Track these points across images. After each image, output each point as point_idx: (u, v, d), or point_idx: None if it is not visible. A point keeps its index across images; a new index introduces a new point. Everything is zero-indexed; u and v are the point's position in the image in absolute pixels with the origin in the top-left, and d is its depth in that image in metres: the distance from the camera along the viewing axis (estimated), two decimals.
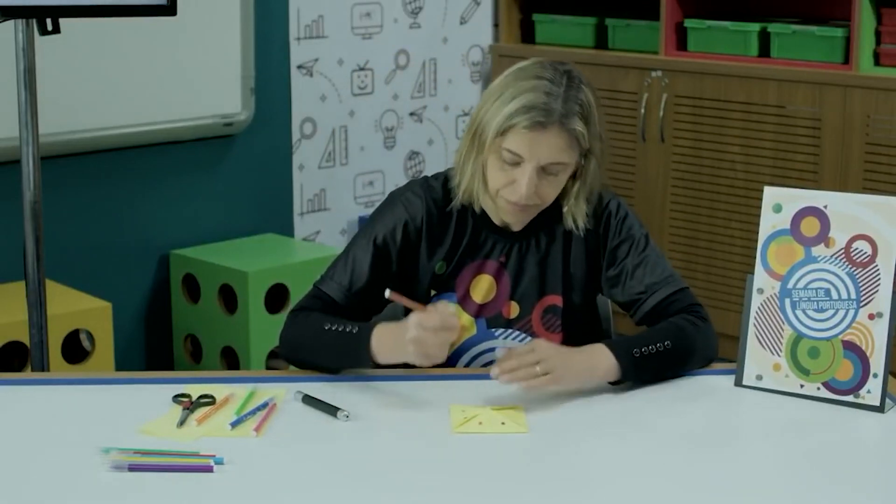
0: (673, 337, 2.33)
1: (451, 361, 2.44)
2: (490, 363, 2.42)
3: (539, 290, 2.44)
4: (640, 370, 2.29)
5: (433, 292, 2.45)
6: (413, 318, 2.18)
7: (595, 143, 2.38)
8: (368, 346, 2.24)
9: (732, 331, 4.51)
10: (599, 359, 2.26)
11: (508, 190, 2.34)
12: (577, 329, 2.47)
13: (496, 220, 2.44)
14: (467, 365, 2.45)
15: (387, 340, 2.23)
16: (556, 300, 2.44)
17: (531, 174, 2.30)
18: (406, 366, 2.44)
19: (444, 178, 2.45)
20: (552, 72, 2.35)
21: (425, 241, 2.43)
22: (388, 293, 2.23)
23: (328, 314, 2.36)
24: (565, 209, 2.42)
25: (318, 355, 2.34)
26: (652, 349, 2.30)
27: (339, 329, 2.30)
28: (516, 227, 2.42)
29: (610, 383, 2.29)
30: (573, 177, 2.40)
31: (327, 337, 2.31)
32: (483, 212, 2.43)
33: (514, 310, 2.45)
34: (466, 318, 2.44)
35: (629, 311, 2.45)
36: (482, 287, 2.44)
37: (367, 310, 2.42)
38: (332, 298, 2.39)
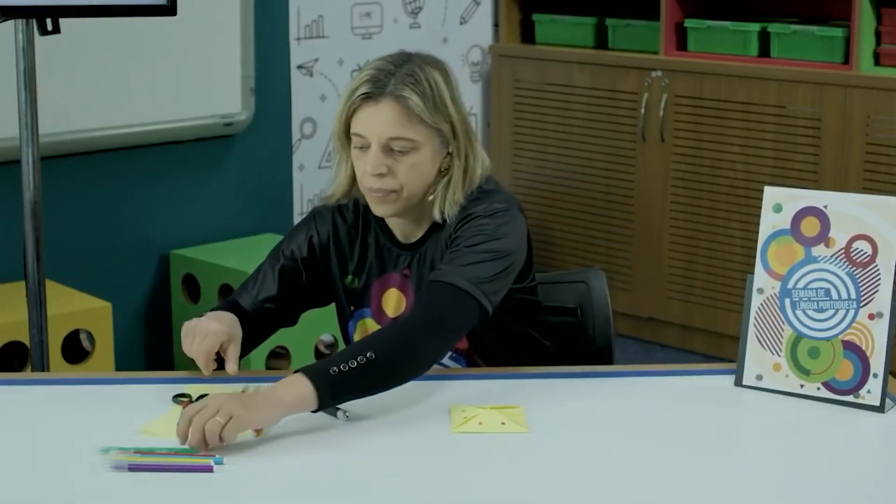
0: (379, 345, 2.16)
1: None
2: None
3: None
4: (342, 389, 2.11)
5: (352, 307, 2.48)
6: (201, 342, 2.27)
7: (450, 126, 2.34)
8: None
9: (732, 331, 4.54)
10: (290, 387, 2.08)
11: (366, 177, 2.33)
12: (492, 333, 2.41)
13: (397, 233, 2.43)
14: None
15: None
16: None
17: (375, 150, 2.30)
18: None
19: (355, 198, 2.45)
20: (393, 55, 2.38)
21: (335, 256, 2.46)
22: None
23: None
24: (430, 198, 2.36)
25: None
26: (353, 363, 2.11)
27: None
28: (381, 214, 2.37)
29: (315, 411, 2.11)
30: (445, 173, 2.36)
31: None
32: (387, 226, 2.44)
33: None
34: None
35: None
36: (391, 301, 2.44)
37: (277, 318, 2.48)
38: (242, 307, 2.44)
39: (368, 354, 2.13)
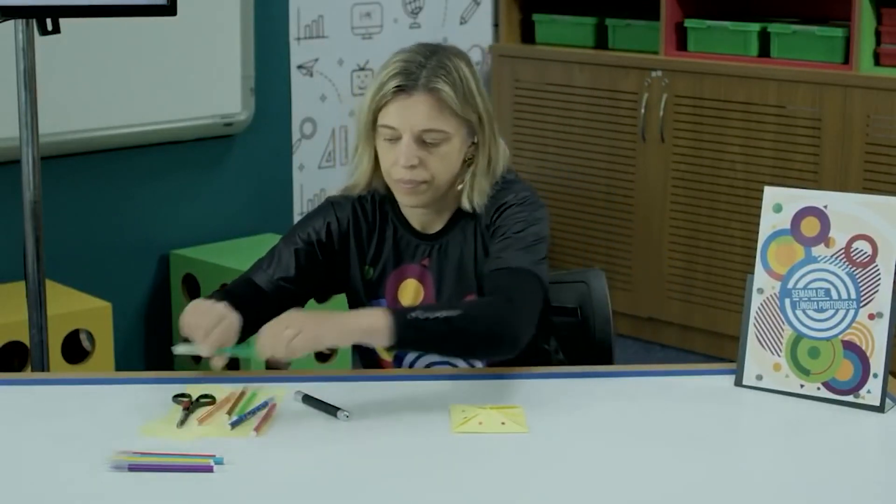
0: (468, 307, 2.24)
1: (398, 360, 2.46)
2: (430, 364, 2.44)
3: (459, 290, 2.42)
4: (415, 335, 2.17)
5: (368, 298, 2.47)
6: (204, 307, 2.27)
7: (477, 116, 2.36)
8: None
9: (732, 331, 4.54)
10: (367, 317, 2.17)
11: (395, 168, 2.34)
12: None
13: (415, 223, 2.44)
14: (412, 363, 2.45)
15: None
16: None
17: (408, 142, 2.30)
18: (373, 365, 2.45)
19: (372, 190, 2.46)
20: (419, 47, 2.38)
21: (354, 246, 2.46)
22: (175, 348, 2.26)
23: (247, 296, 2.40)
24: (459, 188, 2.39)
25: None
26: (434, 315, 2.18)
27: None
28: (411, 204, 2.38)
29: (389, 348, 2.19)
30: (469, 162, 2.38)
31: None
32: (404, 217, 2.44)
33: None
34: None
35: None
36: (409, 291, 2.45)
37: (290, 298, 2.45)
38: (257, 284, 2.43)
39: (452, 313, 2.19)
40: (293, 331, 2.11)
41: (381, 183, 2.41)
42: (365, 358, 2.51)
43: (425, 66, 2.32)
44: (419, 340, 2.20)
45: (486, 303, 2.27)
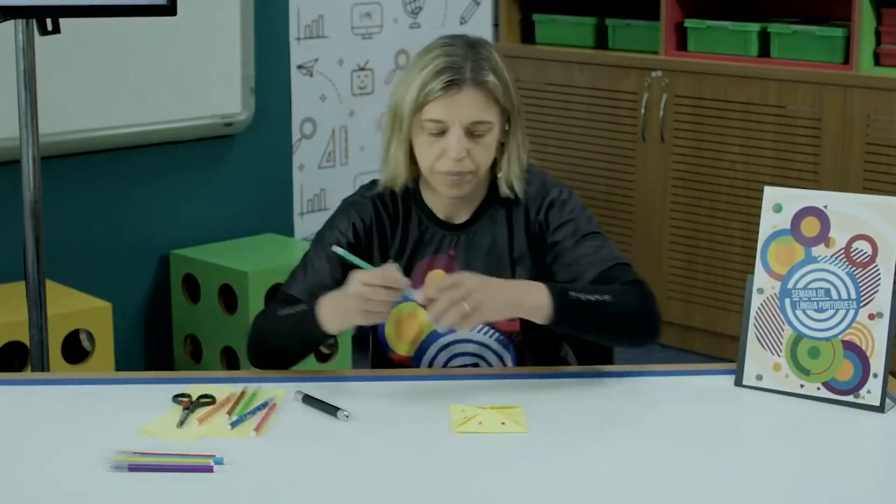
0: (614, 293, 2.28)
1: (418, 357, 2.46)
2: (455, 357, 2.44)
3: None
4: (573, 316, 2.24)
5: None
6: (355, 275, 2.20)
7: (512, 104, 2.39)
8: (316, 315, 2.27)
9: (733, 331, 4.54)
10: (532, 294, 2.23)
11: (441, 161, 2.34)
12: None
13: (440, 214, 2.45)
14: (433, 358, 2.46)
15: (331, 305, 2.26)
16: None
17: (459, 134, 2.32)
18: (402, 365, 2.45)
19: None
20: (452, 39, 2.40)
21: (377, 241, 2.46)
22: (333, 247, 2.30)
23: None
24: (500, 175, 2.41)
25: (278, 341, 2.38)
26: (591, 298, 2.25)
27: (293, 311, 2.34)
28: (454, 195, 2.39)
29: (541, 325, 2.24)
30: (500, 148, 2.41)
31: (283, 321, 2.35)
32: (429, 209, 2.45)
33: None
34: (426, 314, 2.43)
35: None
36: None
37: None
38: (297, 299, 2.40)
39: (606, 297, 2.26)
40: (472, 305, 2.13)
41: (410, 176, 2.43)
42: (374, 357, 2.51)
43: (468, 59, 2.34)
44: (574, 320, 2.25)
45: (631, 293, 2.31)
